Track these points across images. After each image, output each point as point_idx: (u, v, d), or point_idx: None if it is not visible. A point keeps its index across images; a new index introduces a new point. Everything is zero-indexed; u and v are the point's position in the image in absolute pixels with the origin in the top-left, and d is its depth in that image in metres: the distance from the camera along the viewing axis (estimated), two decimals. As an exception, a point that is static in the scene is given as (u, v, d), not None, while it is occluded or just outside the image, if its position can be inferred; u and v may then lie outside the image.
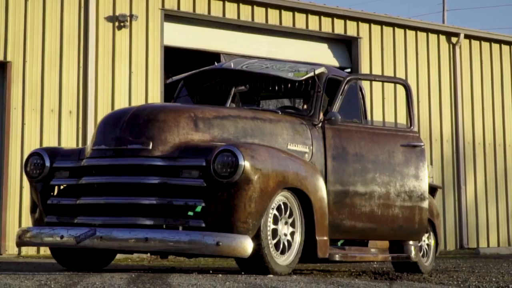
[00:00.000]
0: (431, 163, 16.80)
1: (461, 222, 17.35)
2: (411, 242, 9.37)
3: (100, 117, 13.70)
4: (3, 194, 13.11)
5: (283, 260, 7.31)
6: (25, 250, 13.05)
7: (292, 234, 7.43)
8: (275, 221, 7.22)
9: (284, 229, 7.34)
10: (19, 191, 13.16)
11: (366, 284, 6.82)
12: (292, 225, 7.43)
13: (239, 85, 9.01)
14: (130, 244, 6.88)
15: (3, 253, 12.94)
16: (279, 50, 15.87)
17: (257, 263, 7.07)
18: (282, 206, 7.32)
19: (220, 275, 7.12)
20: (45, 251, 13.11)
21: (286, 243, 7.34)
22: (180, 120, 7.29)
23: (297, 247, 7.47)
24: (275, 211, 7.21)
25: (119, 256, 11.73)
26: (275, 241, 7.19)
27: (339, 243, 8.83)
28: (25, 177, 12.91)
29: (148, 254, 12.72)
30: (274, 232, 7.19)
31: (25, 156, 12.85)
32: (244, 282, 6.41)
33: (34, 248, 13.12)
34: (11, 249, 12.99)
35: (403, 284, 7.40)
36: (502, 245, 17.67)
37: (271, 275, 7.02)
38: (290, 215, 7.42)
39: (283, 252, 7.30)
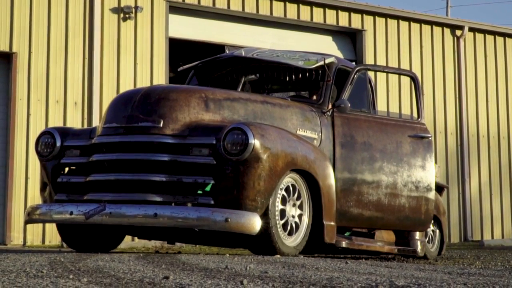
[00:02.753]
0: (436, 161, 16.80)
1: (465, 215, 17.35)
2: (417, 237, 9.39)
3: (105, 109, 13.72)
4: (8, 185, 13.14)
5: (291, 242, 7.33)
6: (30, 241, 13.08)
7: (300, 216, 7.45)
8: (283, 202, 7.24)
9: (292, 211, 7.37)
10: (25, 182, 13.18)
11: (373, 263, 6.86)
12: (300, 207, 7.46)
13: (249, 74, 9.05)
14: (139, 220, 6.90)
15: (8, 243, 12.96)
16: (283, 42, 15.86)
17: (264, 243, 7.08)
18: (291, 188, 7.35)
19: (228, 255, 7.16)
20: (50, 241, 13.14)
21: (293, 225, 7.37)
22: (191, 100, 7.34)
23: (305, 230, 7.49)
24: (283, 192, 7.24)
25: (123, 245, 11.75)
26: (283, 221, 7.21)
27: (346, 234, 8.87)
28: (30, 168, 13.03)
29: (154, 243, 12.77)
30: (282, 213, 7.21)
31: (31, 148, 13.01)
32: (252, 258, 6.46)
33: (40, 238, 13.15)
34: (16, 239, 13.02)
35: (409, 263, 7.46)
36: (506, 237, 17.67)
37: (278, 256, 7.04)
38: (298, 198, 7.45)
39: (290, 234, 7.32)
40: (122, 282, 4.25)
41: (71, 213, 7.14)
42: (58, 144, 7.63)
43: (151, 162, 7.07)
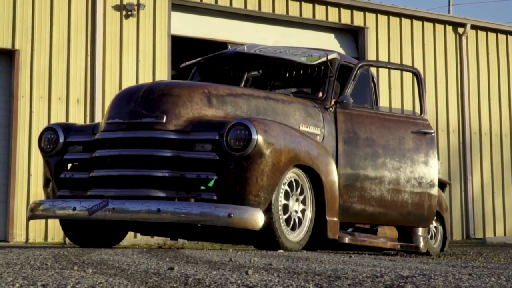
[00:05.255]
0: (438, 157, 16.77)
1: (468, 212, 17.33)
2: (420, 233, 9.38)
3: (107, 106, 13.72)
4: (11, 182, 13.14)
5: (294, 237, 7.32)
6: (33, 238, 13.07)
7: (303, 211, 7.45)
8: (286, 196, 7.24)
9: (295, 206, 7.36)
10: (27, 179, 13.18)
11: (377, 257, 6.87)
12: (303, 202, 7.46)
13: (252, 70, 9.04)
14: (142, 216, 6.88)
15: (10, 240, 12.96)
16: (286, 39, 15.85)
17: (268, 238, 7.07)
18: (294, 183, 7.34)
19: (231, 250, 7.16)
20: (52, 238, 13.14)
21: (296, 220, 7.36)
22: (194, 95, 7.33)
23: (308, 225, 7.48)
24: (286, 187, 7.23)
25: (126, 242, 11.76)
26: (286, 216, 7.20)
27: (348, 230, 8.87)
28: (33, 165, 13.02)
29: (156, 240, 12.77)
30: (285, 208, 7.21)
31: (33, 144, 13.00)
32: (255, 252, 6.46)
33: (42, 236, 13.15)
34: (18, 236, 13.01)
35: (412, 258, 7.46)
36: (508, 235, 17.67)
37: (282, 251, 7.04)
38: (301, 193, 7.44)
39: (293, 229, 7.32)
40: (127, 273, 4.25)
41: (74, 209, 7.13)
42: (61, 140, 7.62)
43: (154, 158, 7.06)
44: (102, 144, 7.32)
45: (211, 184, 7.02)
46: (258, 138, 6.90)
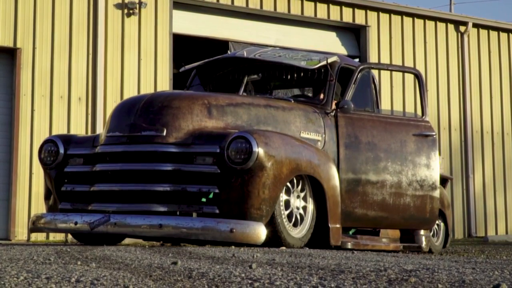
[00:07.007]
0: (440, 152, 16.76)
1: (469, 211, 17.33)
2: (422, 232, 9.39)
3: (109, 104, 13.74)
4: (12, 180, 13.14)
5: (296, 233, 7.33)
6: (34, 236, 13.06)
7: (305, 208, 7.44)
8: (288, 192, 7.24)
9: (296, 202, 7.36)
10: (29, 178, 13.18)
11: (379, 254, 6.87)
12: (304, 199, 7.45)
13: (252, 74, 9.03)
14: (144, 230, 6.87)
15: (12, 239, 12.96)
16: (287, 38, 15.86)
17: (270, 234, 7.05)
18: (295, 180, 7.33)
19: (233, 247, 7.16)
20: (54, 237, 13.13)
21: (298, 216, 7.36)
22: (194, 107, 7.30)
23: (310, 221, 7.48)
24: (287, 183, 7.21)
25: (128, 241, 11.74)
26: (287, 212, 7.20)
27: (350, 232, 8.86)
28: (34, 164, 13.02)
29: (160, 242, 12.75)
30: (287, 204, 7.21)
31: (35, 143, 13.02)
32: (257, 249, 6.47)
33: (43, 234, 13.13)
34: (20, 235, 13.01)
35: (415, 254, 7.46)
36: (510, 233, 17.64)
37: (284, 247, 7.03)
38: (302, 190, 7.44)
39: (295, 225, 7.32)
40: (131, 267, 4.26)
41: (76, 223, 7.14)
42: (62, 152, 7.61)
43: (155, 172, 7.05)
44: (103, 158, 7.30)
45: (210, 196, 6.98)
46: (259, 151, 6.87)
